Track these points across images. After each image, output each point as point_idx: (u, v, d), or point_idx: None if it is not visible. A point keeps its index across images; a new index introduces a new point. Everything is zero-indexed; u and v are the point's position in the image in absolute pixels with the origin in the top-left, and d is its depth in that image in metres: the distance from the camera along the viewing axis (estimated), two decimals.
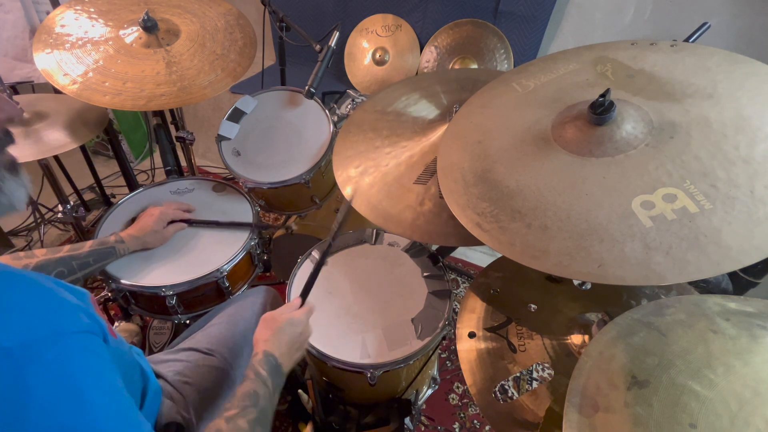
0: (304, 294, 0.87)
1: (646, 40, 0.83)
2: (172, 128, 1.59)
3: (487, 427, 1.45)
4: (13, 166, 0.60)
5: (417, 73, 2.07)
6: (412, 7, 2.03)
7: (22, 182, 0.60)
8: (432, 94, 1.12)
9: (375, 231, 1.15)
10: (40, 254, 0.90)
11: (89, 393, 0.51)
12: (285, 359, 0.78)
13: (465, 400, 1.52)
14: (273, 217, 2.15)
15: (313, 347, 0.91)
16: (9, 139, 0.59)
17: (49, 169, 1.50)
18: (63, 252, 0.93)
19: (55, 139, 1.30)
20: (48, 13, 1.37)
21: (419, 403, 1.19)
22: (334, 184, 1.44)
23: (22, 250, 1.94)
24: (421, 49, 2.06)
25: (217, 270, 1.09)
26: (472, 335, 0.84)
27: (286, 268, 1.10)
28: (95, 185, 2.04)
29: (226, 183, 1.32)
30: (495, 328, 0.84)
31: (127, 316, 1.59)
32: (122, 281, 1.05)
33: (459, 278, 1.93)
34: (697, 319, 0.56)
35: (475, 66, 1.93)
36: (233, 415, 0.65)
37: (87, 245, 0.98)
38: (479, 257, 2.03)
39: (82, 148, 1.83)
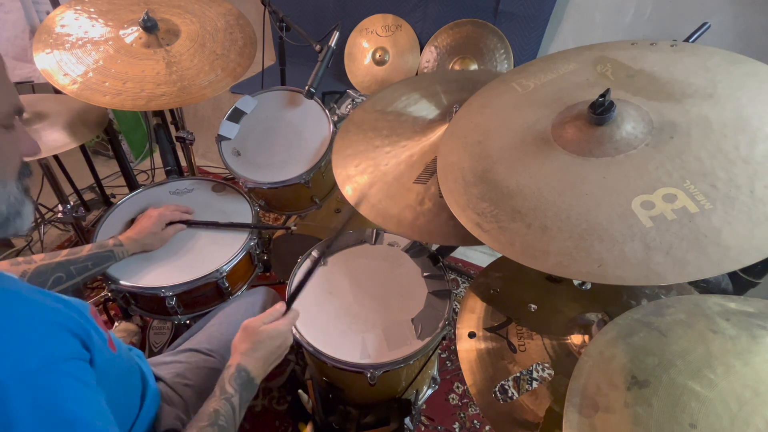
0: (291, 300, 0.84)
1: (646, 40, 0.83)
2: (172, 128, 1.59)
3: (487, 427, 1.45)
4: (28, 191, 0.61)
5: (417, 74, 2.08)
6: (412, 7, 2.03)
7: (31, 206, 0.61)
8: (432, 94, 1.12)
9: (375, 231, 1.15)
10: (38, 259, 0.89)
11: (80, 422, 0.51)
12: (260, 371, 0.77)
13: (465, 400, 1.52)
14: (273, 217, 2.15)
15: (313, 347, 0.91)
16: (28, 170, 0.61)
17: (49, 169, 1.50)
18: (61, 256, 0.92)
19: (55, 139, 1.30)
20: (48, 13, 1.36)
21: (419, 403, 1.19)
22: (334, 184, 1.44)
23: (21, 250, 1.95)
24: (421, 49, 2.06)
25: (217, 270, 1.09)
26: (472, 335, 0.84)
27: (286, 268, 1.10)
28: (95, 185, 2.04)
29: (226, 183, 1.32)
30: (495, 328, 0.84)
31: (127, 317, 1.59)
32: (122, 282, 1.05)
33: (459, 278, 1.93)
34: (697, 319, 0.56)
35: (475, 66, 1.93)
36: None
37: (85, 249, 0.97)
38: (479, 257, 2.03)
39: (82, 148, 1.82)
